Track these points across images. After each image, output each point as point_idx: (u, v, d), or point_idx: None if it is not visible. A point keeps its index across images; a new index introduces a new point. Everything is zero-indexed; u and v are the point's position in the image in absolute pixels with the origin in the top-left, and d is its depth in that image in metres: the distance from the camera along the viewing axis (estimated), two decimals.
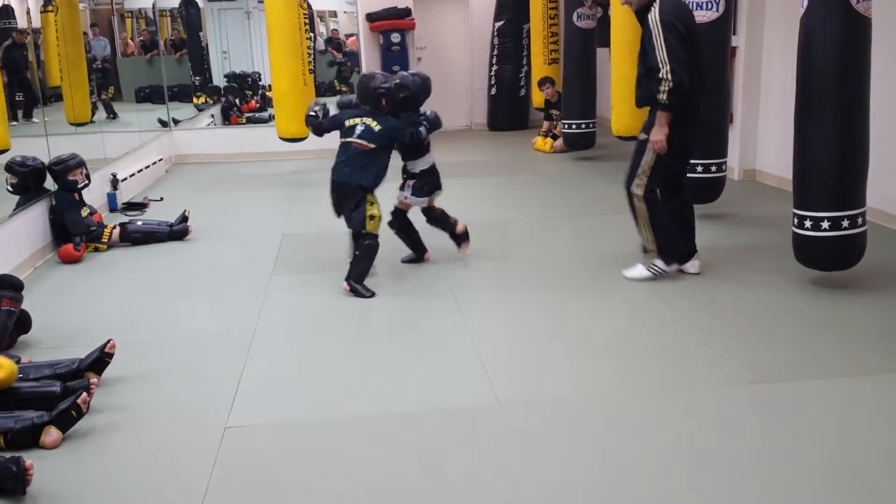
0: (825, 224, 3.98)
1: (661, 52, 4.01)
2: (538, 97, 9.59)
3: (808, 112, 4.03)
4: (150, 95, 9.67)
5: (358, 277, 4.37)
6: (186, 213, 5.77)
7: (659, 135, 4.13)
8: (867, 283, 4.21)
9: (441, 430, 2.90)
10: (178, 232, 5.62)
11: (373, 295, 4.30)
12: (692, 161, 5.44)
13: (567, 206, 6.36)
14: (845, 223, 3.97)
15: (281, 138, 8.22)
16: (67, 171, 5.35)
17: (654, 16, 4.07)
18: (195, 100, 10.34)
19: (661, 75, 4.00)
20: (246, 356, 3.58)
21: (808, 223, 4.02)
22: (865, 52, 3.94)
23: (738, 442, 2.74)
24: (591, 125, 8.34)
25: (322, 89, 10.38)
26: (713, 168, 5.51)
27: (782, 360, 3.39)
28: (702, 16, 5.29)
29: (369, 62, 10.25)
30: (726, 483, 2.51)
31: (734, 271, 4.54)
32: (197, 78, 10.50)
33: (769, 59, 6.86)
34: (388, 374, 3.38)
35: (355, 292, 4.32)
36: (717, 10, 5.28)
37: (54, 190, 5.40)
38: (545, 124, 9.27)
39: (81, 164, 5.45)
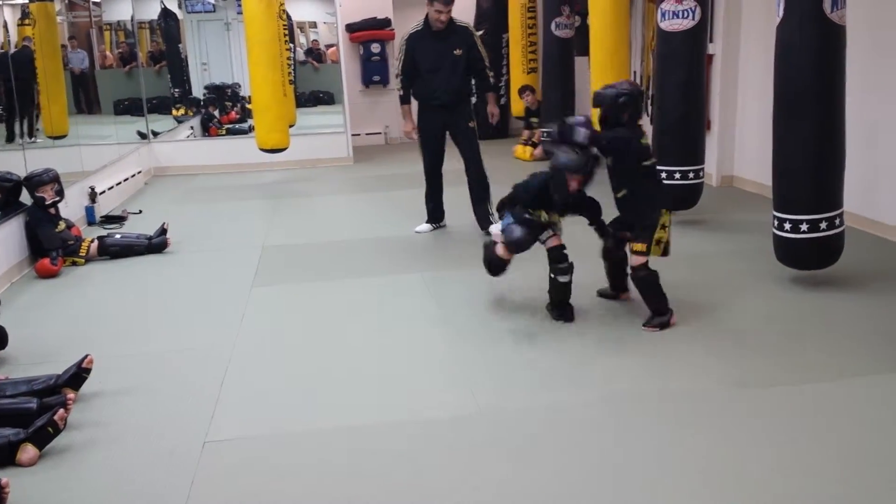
0: (804, 226, 4.06)
1: None
2: (518, 105, 9.63)
3: (786, 118, 4.12)
4: (129, 108, 9.63)
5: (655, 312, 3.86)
6: (165, 226, 5.73)
7: None
8: (850, 286, 4.24)
9: (423, 440, 2.89)
10: (156, 245, 5.58)
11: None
12: (671, 168, 5.50)
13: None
14: (823, 225, 4.06)
15: (261, 149, 8.21)
16: (37, 186, 5.28)
17: None
18: (174, 112, 10.29)
19: None
20: (226, 369, 3.56)
21: (787, 225, 4.10)
22: (840, 58, 4.00)
23: (722, 446, 2.75)
24: None
25: (302, 100, 10.36)
26: (691, 174, 5.56)
27: (768, 362, 3.40)
28: (678, 24, 5.35)
29: (349, 73, 10.25)
30: (708, 489, 2.51)
31: (715, 275, 4.57)
32: (176, 90, 10.45)
33: (745, 67, 6.93)
34: (369, 385, 3.36)
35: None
36: (694, 19, 5.33)
37: (29, 205, 5.34)
38: (525, 133, 9.30)
39: (54, 179, 5.34)
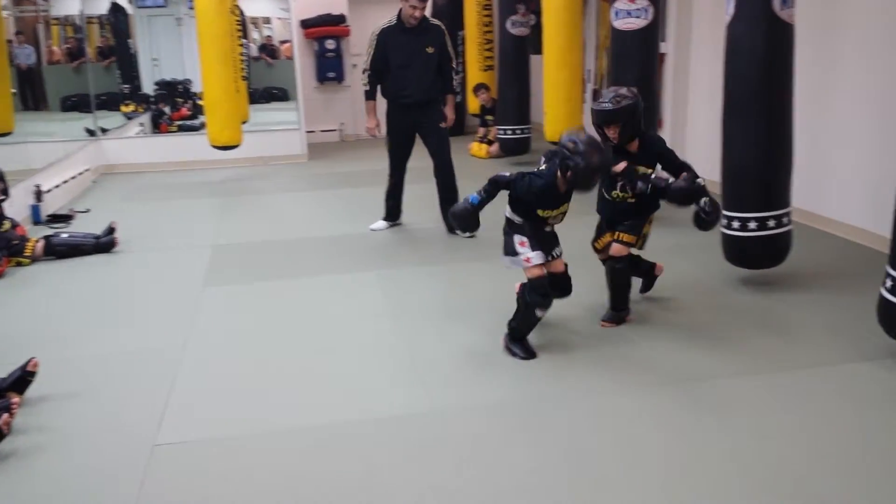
0: (752, 224, 4.10)
1: None
2: (474, 103, 9.64)
3: (734, 116, 4.15)
4: (76, 104, 9.40)
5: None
6: (113, 225, 5.61)
7: None
8: (797, 280, 4.33)
9: (376, 439, 2.87)
10: (104, 244, 5.46)
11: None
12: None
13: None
14: (771, 223, 4.10)
15: (213, 146, 8.09)
16: None
17: None
18: (124, 108, 10.09)
19: None
20: (176, 371, 3.49)
21: (735, 224, 4.13)
22: (789, 57, 4.06)
23: (675, 440, 2.78)
24: (525, 131, 8.42)
25: (255, 96, 10.25)
26: None
27: (719, 357, 3.45)
28: (631, 23, 5.39)
29: (304, 69, 10.16)
30: (659, 482, 2.54)
31: (666, 273, 4.62)
32: (126, 86, 10.25)
33: (696, 66, 7.03)
34: (321, 385, 3.33)
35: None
36: (647, 18, 5.39)
37: None
38: (481, 130, 9.33)
39: None
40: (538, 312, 3.48)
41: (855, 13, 5.05)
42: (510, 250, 3.55)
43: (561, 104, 7.48)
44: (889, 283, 3.16)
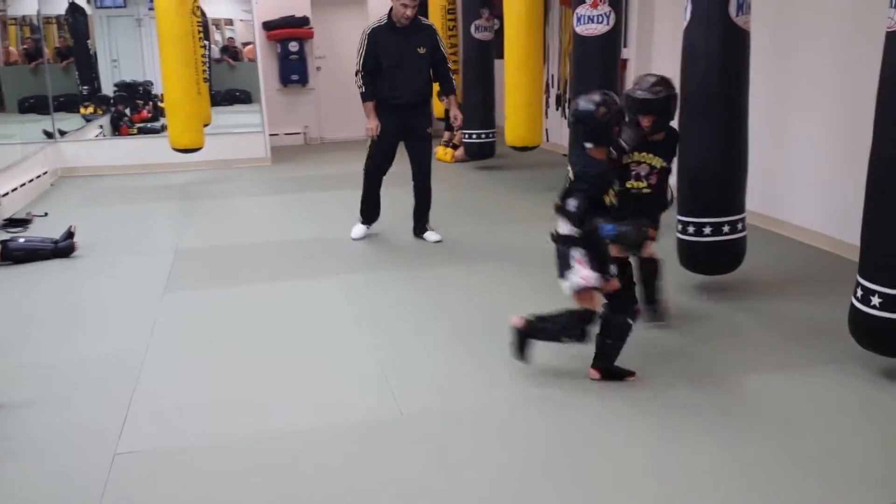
0: (707, 229, 4.12)
1: None
2: (439, 107, 9.64)
3: (690, 121, 4.19)
4: (34, 106, 9.23)
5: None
6: (72, 229, 5.51)
7: None
8: (753, 286, 4.39)
9: (344, 447, 2.85)
10: (63, 249, 5.36)
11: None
12: None
13: (469, 215, 6.40)
14: (726, 228, 4.12)
15: (174, 149, 8.00)
16: None
17: None
18: (83, 110, 9.92)
19: None
20: (137, 378, 3.44)
21: (690, 229, 4.16)
22: (744, 62, 4.12)
23: (639, 444, 2.81)
24: (490, 135, 8.45)
25: (217, 98, 10.15)
26: None
27: (682, 364, 3.49)
28: (594, 29, 5.45)
29: (267, 71, 10.09)
30: (626, 484, 2.56)
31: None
32: (85, 87, 10.08)
33: (658, 70, 7.08)
34: (286, 392, 3.31)
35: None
36: (608, 24, 5.45)
37: None
38: (446, 134, 9.34)
39: None
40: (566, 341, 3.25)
41: (810, 18, 5.15)
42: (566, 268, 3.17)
43: (521, 108, 7.54)
44: (860, 292, 3.19)
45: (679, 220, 4.20)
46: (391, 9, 5.23)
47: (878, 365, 3.31)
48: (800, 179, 5.35)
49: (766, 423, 2.95)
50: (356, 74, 5.29)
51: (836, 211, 4.99)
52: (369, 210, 5.71)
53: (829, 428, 2.91)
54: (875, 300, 3.08)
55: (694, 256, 4.23)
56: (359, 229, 5.70)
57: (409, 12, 5.14)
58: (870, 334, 3.20)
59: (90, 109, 9.98)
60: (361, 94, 5.30)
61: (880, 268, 3.08)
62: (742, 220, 4.17)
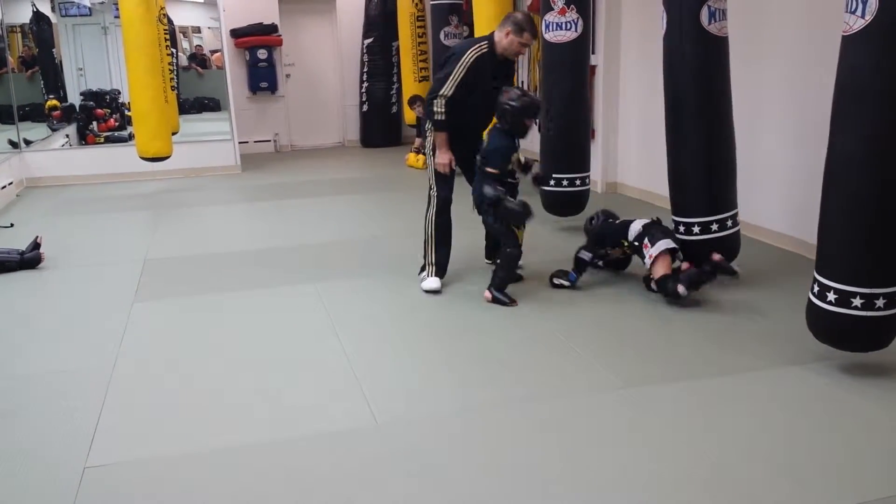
0: (696, 228, 4.37)
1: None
2: (410, 114, 9.67)
3: (676, 127, 4.36)
4: None
5: (500, 285, 4.40)
6: (39, 240, 5.43)
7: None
8: (719, 285, 4.43)
9: (319, 455, 2.83)
10: (29, 260, 5.28)
11: (514, 303, 4.34)
12: (558, 175, 5.66)
13: None
14: (714, 227, 4.37)
15: (142, 158, 7.92)
16: None
17: None
18: (49, 106, 9.78)
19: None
20: (106, 390, 3.39)
21: (681, 228, 4.44)
22: (722, 68, 4.22)
23: (611, 445, 2.82)
24: None
25: (186, 106, 10.06)
26: (577, 182, 5.72)
27: (650, 365, 3.52)
28: (562, 36, 5.49)
29: (235, 79, 10.04)
30: (601, 485, 2.57)
31: (598, 277, 4.70)
32: (50, 96, 9.95)
33: (626, 77, 7.18)
34: (258, 402, 3.28)
35: (497, 301, 4.36)
36: (577, 31, 5.49)
37: None
38: (417, 141, 9.35)
39: None
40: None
41: (773, 21, 5.23)
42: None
43: None
44: (816, 288, 3.25)
45: (673, 221, 4.47)
46: (492, 35, 4.60)
47: (839, 361, 3.39)
48: (764, 181, 5.42)
49: (735, 421, 2.98)
50: (438, 97, 4.47)
51: (799, 211, 5.09)
52: (441, 258, 4.77)
53: (795, 426, 2.95)
54: (831, 296, 3.15)
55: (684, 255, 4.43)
56: (434, 282, 4.70)
57: (523, 50, 4.66)
58: (826, 329, 3.28)
59: (57, 112, 9.82)
60: (439, 121, 4.51)
61: (835, 264, 3.16)
62: (733, 216, 4.44)
